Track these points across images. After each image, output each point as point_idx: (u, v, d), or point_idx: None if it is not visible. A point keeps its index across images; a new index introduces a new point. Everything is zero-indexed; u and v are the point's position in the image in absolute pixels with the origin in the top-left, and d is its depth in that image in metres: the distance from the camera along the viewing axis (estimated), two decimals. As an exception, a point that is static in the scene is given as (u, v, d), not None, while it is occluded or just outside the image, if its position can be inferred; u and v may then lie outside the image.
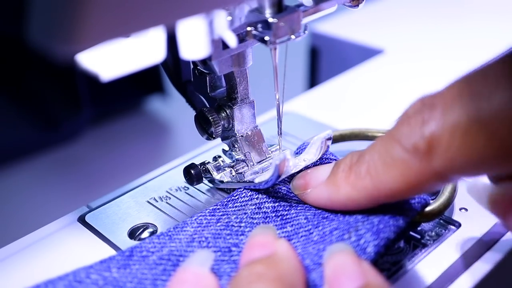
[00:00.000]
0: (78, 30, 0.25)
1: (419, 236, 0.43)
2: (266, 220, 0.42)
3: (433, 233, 0.43)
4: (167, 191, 0.49)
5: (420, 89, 0.68)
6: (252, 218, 0.42)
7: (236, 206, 0.43)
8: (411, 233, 0.43)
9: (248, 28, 0.40)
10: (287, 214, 0.42)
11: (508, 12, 0.88)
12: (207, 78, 0.45)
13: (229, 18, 0.39)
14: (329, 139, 0.44)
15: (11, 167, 1.43)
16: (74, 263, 0.39)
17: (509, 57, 0.33)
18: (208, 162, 0.48)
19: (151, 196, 0.49)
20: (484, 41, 0.80)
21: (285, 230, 0.41)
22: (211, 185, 0.49)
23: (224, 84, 0.46)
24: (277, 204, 0.43)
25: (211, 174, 0.47)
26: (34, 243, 0.45)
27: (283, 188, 0.44)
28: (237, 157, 0.47)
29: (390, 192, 0.37)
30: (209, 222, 0.42)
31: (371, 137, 0.52)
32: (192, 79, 0.47)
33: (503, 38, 0.80)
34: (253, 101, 0.47)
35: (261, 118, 0.59)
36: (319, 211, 0.42)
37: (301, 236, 0.41)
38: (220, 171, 0.48)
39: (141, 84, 1.60)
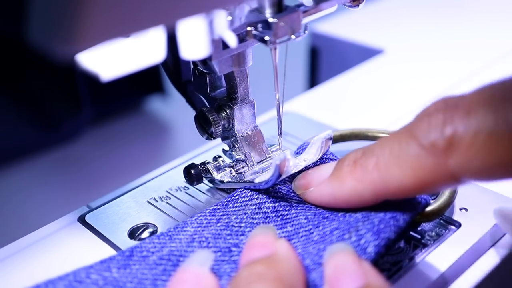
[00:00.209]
0: (78, 30, 0.25)
1: (419, 236, 0.43)
2: (266, 220, 0.42)
3: (433, 233, 0.43)
4: (167, 191, 0.49)
5: (420, 89, 0.68)
6: (252, 218, 0.42)
7: (236, 206, 0.43)
8: (411, 233, 0.43)
9: (248, 28, 0.40)
10: (287, 214, 0.42)
11: (508, 13, 0.88)
12: (207, 78, 0.45)
13: (229, 18, 0.39)
14: (329, 139, 0.44)
15: (11, 167, 1.43)
16: (74, 263, 0.39)
17: None
18: (208, 162, 0.48)
19: (151, 196, 0.49)
20: (484, 42, 0.80)
21: (285, 230, 0.41)
22: (211, 185, 0.49)
23: (224, 84, 0.46)
24: (277, 204, 0.43)
25: (211, 174, 0.47)
26: (34, 243, 0.45)
27: (283, 188, 0.44)
28: (237, 157, 0.47)
29: (398, 188, 0.37)
30: (209, 222, 0.42)
31: (371, 137, 0.52)
32: (192, 79, 0.47)
33: (504, 39, 0.80)
34: (253, 101, 0.47)
35: (261, 118, 0.59)
36: (320, 211, 0.42)
37: (302, 236, 0.41)
38: (220, 171, 0.48)
39: (141, 84, 1.60)
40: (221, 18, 0.39)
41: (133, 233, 0.45)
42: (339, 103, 0.66)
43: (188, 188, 0.49)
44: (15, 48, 1.33)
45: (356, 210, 0.40)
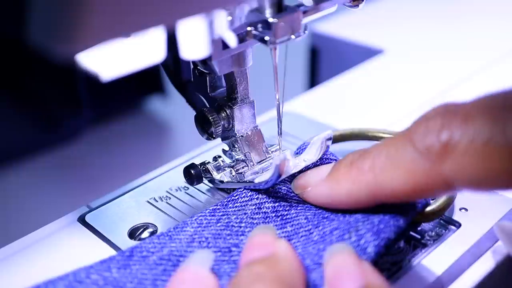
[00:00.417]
0: (78, 30, 0.25)
1: (419, 236, 0.43)
2: (266, 220, 0.42)
3: (433, 233, 0.43)
4: (167, 191, 0.49)
5: (420, 89, 0.68)
6: (252, 218, 0.42)
7: (236, 206, 0.43)
8: (411, 233, 0.43)
9: (248, 28, 0.40)
10: (287, 214, 0.42)
11: (508, 13, 0.88)
12: (207, 78, 0.45)
13: (229, 18, 0.39)
14: (329, 139, 0.44)
15: (11, 167, 1.43)
16: (74, 263, 0.39)
17: None
18: (208, 162, 0.48)
19: (151, 196, 0.49)
20: (484, 42, 0.80)
21: (285, 230, 0.41)
22: (211, 185, 0.49)
23: (224, 84, 0.46)
24: (277, 204, 0.43)
25: (211, 174, 0.47)
26: (34, 243, 0.45)
27: (283, 188, 0.44)
28: (237, 157, 0.47)
29: (392, 192, 0.37)
30: (209, 222, 0.42)
31: (371, 137, 0.52)
32: (192, 79, 0.47)
33: (504, 39, 0.80)
34: (253, 101, 0.47)
35: (261, 118, 0.59)
36: (320, 211, 0.42)
37: (301, 236, 0.41)
38: (220, 171, 0.48)
39: (141, 84, 1.60)
40: (221, 18, 0.39)
41: (133, 233, 0.45)
42: (339, 103, 0.66)
43: (188, 188, 0.49)
44: (15, 48, 1.33)
45: (356, 210, 0.40)
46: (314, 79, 0.90)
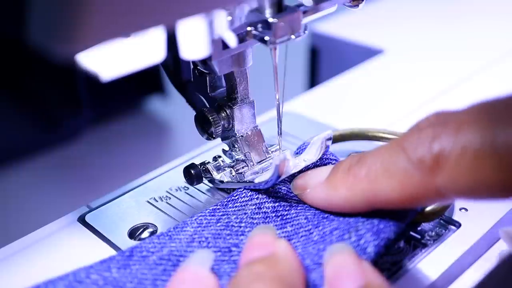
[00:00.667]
0: (78, 30, 0.25)
1: (419, 236, 0.43)
2: (266, 220, 0.42)
3: (433, 233, 0.43)
4: (167, 191, 0.49)
5: (420, 89, 0.68)
6: (252, 218, 0.42)
7: (236, 206, 0.43)
8: (411, 233, 0.43)
9: (248, 28, 0.40)
10: (287, 214, 0.42)
11: (508, 13, 0.88)
12: (207, 78, 0.45)
13: (229, 18, 0.39)
14: (329, 139, 0.44)
15: (11, 167, 1.43)
16: (74, 263, 0.39)
17: None
18: (208, 162, 0.48)
19: (151, 196, 0.49)
20: (484, 42, 0.80)
21: (285, 230, 0.41)
22: (211, 185, 0.49)
23: (224, 84, 0.46)
24: (277, 204, 0.43)
25: (211, 174, 0.47)
26: (34, 243, 0.45)
27: (283, 188, 0.44)
28: (237, 157, 0.47)
29: (386, 200, 0.37)
30: (209, 222, 0.42)
31: (371, 137, 0.52)
32: (192, 79, 0.47)
33: (504, 39, 0.80)
34: (253, 101, 0.47)
35: (261, 118, 0.59)
36: (320, 211, 0.42)
37: (301, 236, 0.41)
38: (220, 171, 0.48)
39: (141, 84, 1.60)
40: (221, 18, 0.39)
41: (133, 233, 0.45)
42: (339, 103, 0.66)
43: (188, 188, 0.49)
44: (15, 48, 1.33)
45: None
46: (314, 79, 0.90)
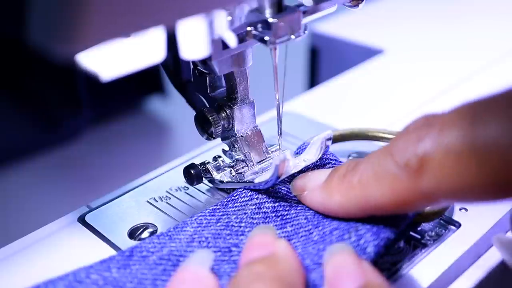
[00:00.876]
0: (78, 30, 0.25)
1: (419, 236, 0.43)
2: (266, 220, 0.42)
3: (433, 233, 0.43)
4: (167, 191, 0.49)
5: (420, 89, 0.68)
6: (252, 218, 0.42)
7: (236, 206, 0.43)
8: (411, 233, 0.43)
9: (248, 28, 0.40)
10: (287, 214, 0.42)
11: (508, 13, 0.88)
12: (207, 78, 0.45)
13: (229, 18, 0.39)
14: (329, 139, 0.44)
15: (11, 167, 1.43)
16: (74, 263, 0.39)
17: None
18: (208, 162, 0.48)
19: (151, 196, 0.49)
20: (484, 42, 0.80)
21: (285, 230, 0.41)
22: (211, 185, 0.49)
23: (224, 84, 0.46)
24: (277, 204, 0.43)
25: (211, 174, 0.47)
26: (34, 243, 0.45)
27: (283, 188, 0.44)
28: (237, 157, 0.47)
29: (377, 205, 0.37)
30: (209, 222, 0.42)
31: (371, 137, 0.52)
32: (192, 79, 0.47)
33: (504, 39, 0.80)
34: (253, 101, 0.47)
35: (261, 118, 0.59)
36: (319, 211, 0.42)
37: (301, 236, 0.41)
38: (220, 171, 0.48)
39: (141, 84, 1.60)
40: (221, 18, 0.39)
41: (133, 233, 0.45)
42: (339, 103, 0.66)
43: (188, 188, 0.49)
44: (15, 48, 1.33)
45: None
46: (314, 79, 0.90)
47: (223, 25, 0.39)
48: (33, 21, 0.26)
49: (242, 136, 0.47)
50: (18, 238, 0.46)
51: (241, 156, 0.47)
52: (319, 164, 0.44)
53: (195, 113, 0.47)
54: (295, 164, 0.44)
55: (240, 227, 0.42)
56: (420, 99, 0.65)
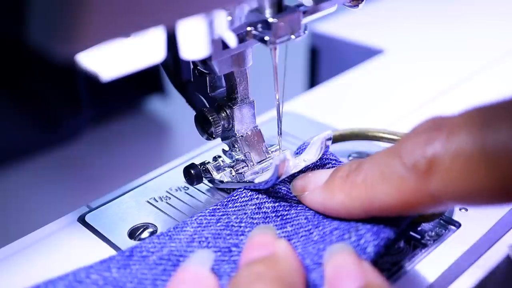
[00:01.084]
0: (78, 30, 0.25)
1: (419, 236, 0.43)
2: (266, 220, 0.42)
3: (433, 233, 0.43)
4: (167, 191, 0.49)
5: (420, 89, 0.68)
6: (252, 218, 0.42)
7: (236, 206, 0.43)
8: (411, 233, 0.43)
9: (248, 28, 0.40)
10: (287, 214, 0.42)
11: (508, 13, 0.88)
12: (207, 78, 0.45)
13: (229, 18, 0.39)
14: (329, 139, 0.44)
15: (11, 167, 1.43)
16: (74, 263, 0.39)
17: None
18: (208, 162, 0.48)
19: (151, 196, 0.49)
20: (484, 42, 0.80)
21: (285, 230, 0.41)
22: (211, 185, 0.49)
23: (224, 84, 0.46)
24: (277, 204, 0.43)
25: (211, 174, 0.47)
26: (34, 243, 0.45)
27: (283, 188, 0.44)
28: (237, 157, 0.47)
29: (382, 206, 0.37)
30: (209, 222, 0.42)
31: (371, 137, 0.52)
32: (192, 79, 0.47)
33: (504, 39, 0.80)
34: (253, 101, 0.47)
35: (261, 118, 0.59)
36: (319, 211, 0.42)
37: (301, 236, 0.41)
38: (220, 171, 0.48)
39: (141, 84, 1.60)
40: (221, 18, 0.39)
41: (133, 233, 0.45)
42: (339, 103, 0.66)
43: (188, 188, 0.49)
44: (15, 48, 1.33)
45: None
46: (314, 79, 0.90)
47: (223, 25, 0.39)
48: (33, 21, 0.26)
49: (242, 136, 0.47)
50: (18, 238, 0.46)
51: (241, 156, 0.47)
52: (319, 164, 0.44)
53: (195, 113, 0.47)
54: (295, 164, 0.44)
55: (240, 227, 0.42)
56: (420, 99, 0.65)
